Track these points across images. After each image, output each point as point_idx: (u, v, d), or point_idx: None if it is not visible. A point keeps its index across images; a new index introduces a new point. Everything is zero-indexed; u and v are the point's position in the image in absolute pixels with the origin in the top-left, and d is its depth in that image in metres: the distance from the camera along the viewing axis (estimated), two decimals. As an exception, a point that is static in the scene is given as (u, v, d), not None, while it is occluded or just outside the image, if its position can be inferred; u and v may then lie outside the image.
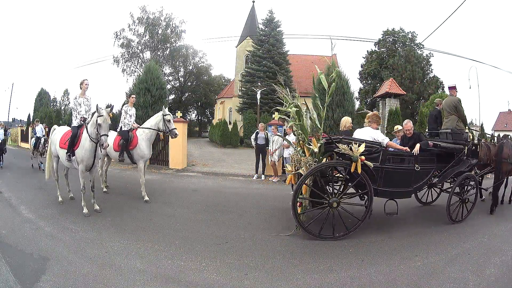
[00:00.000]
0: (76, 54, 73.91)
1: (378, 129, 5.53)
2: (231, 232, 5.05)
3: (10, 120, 34.21)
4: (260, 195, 8.04)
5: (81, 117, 6.11)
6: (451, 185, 6.01)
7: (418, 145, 5.38)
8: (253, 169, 11.02)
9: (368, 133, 5.29)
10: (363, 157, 4.62)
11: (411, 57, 35.04)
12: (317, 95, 5.59)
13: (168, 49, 41.60)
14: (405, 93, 18.26)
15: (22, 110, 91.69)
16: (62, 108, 34.66)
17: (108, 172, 8.20)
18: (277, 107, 5.64)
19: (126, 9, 76.15)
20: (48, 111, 25.20)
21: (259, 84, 27.50)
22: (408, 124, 6.20)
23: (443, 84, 35.29)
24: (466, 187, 6.00)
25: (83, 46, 77.55)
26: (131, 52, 40.05)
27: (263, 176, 10.56)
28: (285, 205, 6.88)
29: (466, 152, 6.09)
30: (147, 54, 40.54)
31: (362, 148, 4.62)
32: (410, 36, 39.00)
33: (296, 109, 5.20)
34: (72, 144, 5.81)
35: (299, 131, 5.31)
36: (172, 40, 41.37)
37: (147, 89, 15.14)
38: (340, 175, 5.58)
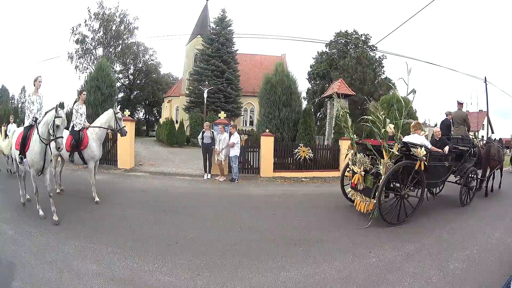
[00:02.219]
0: (38, 49, 65.12)
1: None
2: (180, 232, 4.97)
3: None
4: (207, 194, 8.13)
5: (33, 117, 5.55)
6: (457, 178, 7.54)
7: (447, 147, 6.76)
8: (199, 168, 10.93)
9: (418, 139, 6.20)
10: (424, 158, 5.52)
11: (362, 58, 33.65)
12: (396, 108, 6.25)
13: (120, 46, 39.26)
14: (354, 93, 16.95)
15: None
16: (19, 106, 31.06)
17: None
18: (365, 116, 6.25)
19: (88, 4, 68.84)
20: (8, 109, 22.45)
21: (207, 83, 26.66)
22: (437, 128, 7.72)
23: (395, 86, 36.66)
24: (470, 178, 7.56)
25: (46, 41, 68.98)
26: (85, 48, 37.06)
27: (209, 175, 10.44)
28: (232, 202, 7.23)
29: (471, 153, 7.75)
30: (100, 51, 37.82)
31: (423, 151, 5.62)
32: (363, 38, 37.52)
33: (389, 120, 5.98)
34: (23, 146, 5.23)
35: (380, 137, 5.90)
36: (124, 37, 39.06)
37: (98, 86, 14.28)
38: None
